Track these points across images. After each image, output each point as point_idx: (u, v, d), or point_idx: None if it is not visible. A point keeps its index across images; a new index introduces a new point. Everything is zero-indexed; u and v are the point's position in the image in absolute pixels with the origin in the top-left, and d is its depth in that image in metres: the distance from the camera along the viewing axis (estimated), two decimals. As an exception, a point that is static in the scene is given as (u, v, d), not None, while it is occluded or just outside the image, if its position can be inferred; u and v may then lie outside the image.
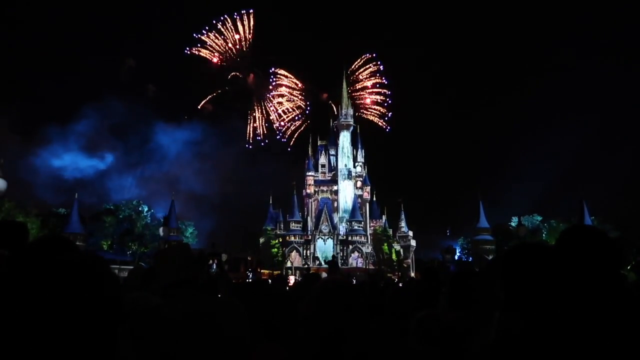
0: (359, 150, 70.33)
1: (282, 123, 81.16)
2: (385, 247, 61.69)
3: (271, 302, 4.43)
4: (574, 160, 74.36)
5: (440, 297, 2.92)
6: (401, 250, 63.60)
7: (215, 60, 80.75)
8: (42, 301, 0.93)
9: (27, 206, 49.26)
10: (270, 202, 66.23)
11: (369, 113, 78.08)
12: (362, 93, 78.64)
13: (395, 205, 67.85)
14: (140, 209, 61.95)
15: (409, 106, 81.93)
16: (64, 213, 54.78)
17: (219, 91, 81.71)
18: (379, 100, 78.52)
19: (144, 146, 74.41)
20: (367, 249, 62.37)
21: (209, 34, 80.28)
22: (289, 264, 59.45)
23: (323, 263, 52.92)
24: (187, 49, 78.80)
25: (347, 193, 66.43)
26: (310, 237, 62.95)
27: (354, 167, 68.27)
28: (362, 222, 63.94)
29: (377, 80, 78.78)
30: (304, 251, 62.18)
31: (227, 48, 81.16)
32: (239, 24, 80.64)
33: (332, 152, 70.63)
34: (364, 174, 68.98)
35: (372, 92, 78.76)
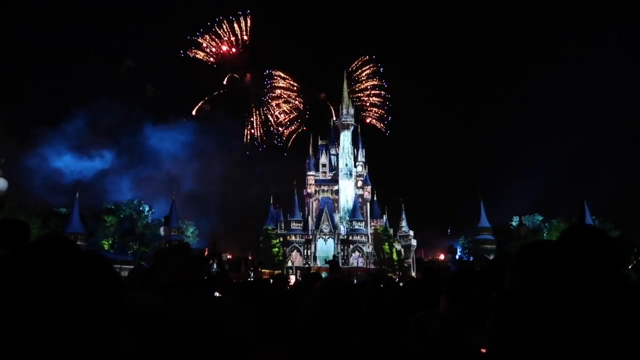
0: (360, 149, 70.34)
1: (281, 123, 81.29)
2: (386, 246, 61.69)
3: (272, 301, 4.44)
4: (575, 160, 74.29)
5: (440, 297, 2.91)
6: (402, 250, 63.60)
7: (212, 61, 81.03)
8: (44, 300, 0.92)
9: (28, 206, 49.32)
10: (271, 201, 66.25)
11: (367, 115, 78.30)
12: (360, 94, 78.83)
13: (396, 204, 67.90)
14: (141, 208, 61.99)
15: (409, 106, 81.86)
16: (65, 213, 54.81)
17: (217, 92, 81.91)
18: (377, 102, 78.74)
19: (144, 146, 74.43)
20: (368, 248, 62.38)
21: (206, 36, 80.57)
22: (289, 264, 59.45)
23: (324, 262, 52.92)
24: (185, 51, 79.13)
25: (347, 192, 66.43)
26: (311, 237, 62.97)
27: (355, 166, 68.27)
28: (363, 222, 63.95)
29: (375, 82, 79.03)
30: (305, 251, 62.20)
31: (223, 49, 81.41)
32: (235, 25, 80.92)
33: (333, 151, 70.64)
34: (365, 174, 68.98)
35: (371, 93, 78.98)
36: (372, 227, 64.95)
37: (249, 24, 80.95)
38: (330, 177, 68.89)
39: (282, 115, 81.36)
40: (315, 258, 60.23)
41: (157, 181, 71.34)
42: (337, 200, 66.81)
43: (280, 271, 45.84)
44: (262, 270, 48.61)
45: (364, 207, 66.67)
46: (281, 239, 62.40)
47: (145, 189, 68.96)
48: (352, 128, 69.56)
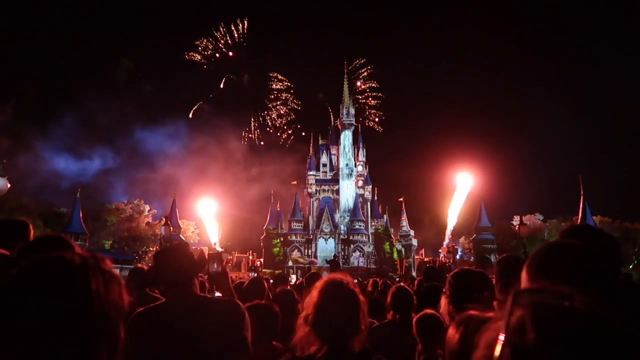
0: (360, 149, 70.33)
1: (280, 123, 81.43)
2: (387, 246, 61.67)
3: (273, 301, 4.43)
4: (576, 159, 74.18)
5: (441, 296, 2.90)
6: (402, 250, 63.57)
7: (210, 62, 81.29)
8: (43, 301, 0.91)
9: (29, 206, 49.32)
10: (272, 201, 66.25)
11: (367, 116, 78.53)
12: (359, 96, 79.04)
13: (396, 204, 67.89)
14: (141, 208, 62.00)
15: (409, 105, 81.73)
16: (66, 213, 54.81)
17: (214, 93, 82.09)
18: (376, 104, 79.00)
19: (144, 147, 74.44)
20: (369, 248, 62.37)
21: (203, 38, 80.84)
22: (290, 263, 59.44)
23: (324, 262, 52.88)
24: (183, 53, 79.36)
25: (348, 192, 66.41)
26: (311, 236, 62.98)
27: (356, 166, 68.24)
28: (364, 222, 63.91)
29: (373, 85, 79.29)
30: (306, 250, 62.19)
31: (221, 51, 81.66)
32: (233, 28, 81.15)
33: (334, 151, 70.65)
34: (366, 173, 68.97)
35: (368, 95, 79.27)
36: (373, 227, 64.94)
37: (246, 27, 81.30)
38: (330, 177, 68.87)
39: (281, 115, 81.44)
40: (316, 257, 60.20)
41: (157, 181, 71.35)
42: (337, 200, 66.79)
43: (280, 271, 45.86)
44: (263, 270, 48.62)
45: (365, 206, 66.65)
46: (282, 239, 62.41)
47: (145, 188, 68.98)
48: (352, 128, 69.54)
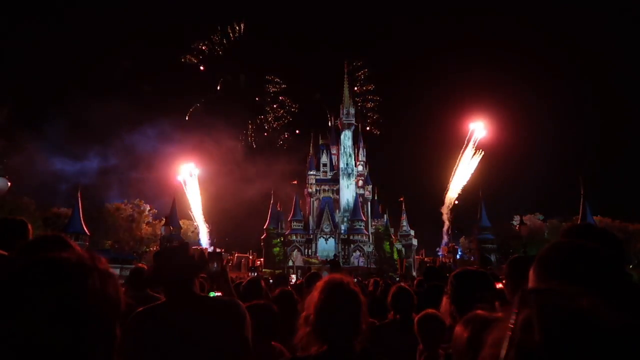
0: (361, 149, 70.36)
1: (277, 125, 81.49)
2: (387, 246, 61.68)
3: (272, 301, 4.42)
4: (576, 159, 74.19)
5: (443, 297, 2.89)
6: (403, 249, 63.58)
7: (206, 64, 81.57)
8: (38, 300, 0.91)
9: (29, 206, 49.35)
10: (272, 201, 66.23)
11: (364, 115, 78.74)
12: (358, 99, 79.17)
13: (396, 204, 67.90)
14: (141, 208, 62.03)
15: (409, 105, 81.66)
16: (66, 213, 54.85)
17: (210, 95, 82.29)
18: (372, 106, 79.20)
19: (143, 147, 74.40)
20: (369, 248, 62.38)
21: (201, 42, 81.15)
22: (290, 263, 59.46)
23: (325, 262, 52.89)
24: (180, 56, 79.58)
25: (348, 192, 66.43)
26: (311, 236, 62.99)
27: (356, 166, 68.26)
28: (364, 221, 63.92)
29: (369, 88, 79.51)
30: (306, 250, 62.20)
31: (218, 54, 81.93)
32: (230, 31, 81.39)
33: (334, 151, 70.68)
34: (366, 173, 69.01)
35: (367, 97, 79.47)
36: (373, 227, 64.97)
37: (242, 29, 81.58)
38: (330, 177, 68.91)
39: (278, 118, 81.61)
40: (316, 257, 60.22)
41: (157, 181, 71.33)
42: (337, 200, 66.82)
43: (281, 270, 45.86)
44: (264, 270, 48.63)
45: (365, 206, 66.67)
46: (282, 239, 62.43)
47: (145, 189, 68.99)
48: (352, 128, 69.57)
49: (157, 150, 75.29)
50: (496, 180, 72.16)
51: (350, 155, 67.78)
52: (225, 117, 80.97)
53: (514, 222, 62.59)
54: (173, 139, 75.42)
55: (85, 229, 51.30)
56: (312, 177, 68.07)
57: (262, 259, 60.33)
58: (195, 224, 61.84)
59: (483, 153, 61.21)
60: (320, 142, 71.83)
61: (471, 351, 1.67)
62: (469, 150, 60.92)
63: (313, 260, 57.59)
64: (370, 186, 68.38)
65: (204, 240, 59.52)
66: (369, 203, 67.56)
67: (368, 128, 78.48)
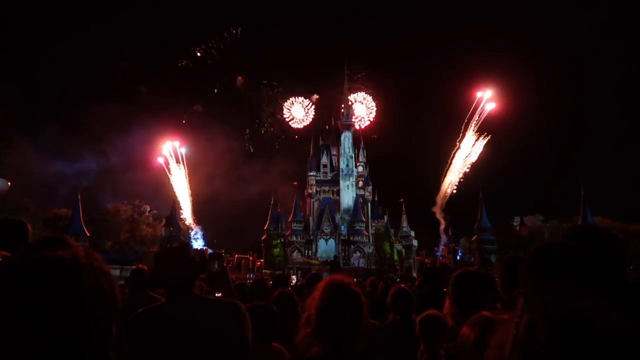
0: (361, 150, 70.39)
1: (274, 130, 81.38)
2: (387, 247, 61.65)
3: (273, 302, 4.42)
4: (576, 159, 74.19)
5: (444, 298, 2.89)
6: (403, 250, 63.55)
7: (205, 66, 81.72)
8: (33, 299, 0.91)
9: (29, 207, 49.35)
10: (272, 202, 66.20)
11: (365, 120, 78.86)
12: (360, 101, 79.26)
13: (396, 205, 67.88)
14: (142, 209, 62.03)
15: (409, 105, 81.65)
16: (66, 214, 54.85)
17: (208, 97, 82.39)
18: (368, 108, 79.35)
19: (142, 147, 74.33)
20: (369, 249, 62.34)
21: (197, 46, 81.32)
22: (290, 264, 59.43)
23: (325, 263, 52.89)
24: (179, 57, 79.73)
25: (348, 193, 66.42)
26: (312, 237, 62.95)
27: (356, 167, 68.26)
28: (364, 222, 63.89)
29: (367, 92, 79.64)
30: (306, 251, 62.16)
31: (215, 57, 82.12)
32: (226, 34, 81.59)
33: (334, 152, 70.68)
34: (366, 174, 69.00)
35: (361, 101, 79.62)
36: (373, 228, 64.93)
37: (239, 32, 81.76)
38: (331, 178, 68.89)
39: (275, 123, 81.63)
40: (316, 258, 60.20)
41: (157, 182, 71.33)
42: (338, 201, 66.77)
43: (281, 271, 45.84)
44: (264, 271, 48.61)
45: (365, 207, 66.63)
46: (282, 240, 62.39)
47: (145, 189, 68.95)
48: (352, 129, 69.60)
49: (157, 151, 75.21)
50: (496, 180, 72.04)
51: (350, 156, 67.78)
52: (223, 120, 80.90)
53: (515, 223, 62.63)
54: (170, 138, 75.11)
55: (85, 230, 51.30)
56: (312, 178, 68.04)
57: (262, 260, 60.31)
58: (187, 223, 62.05)
59: (488, 137, 61.80)
60: (321, 143, 71.87)
61: (478, 352, 1.67)
62: (470, 135, 61.63)
63: (313, 261, 57.58)
64: (371, 187, 68.34)
65: (199, 242, 59.59)
66: (369, 204, 67.52)
67: (367, 131, 78.47)
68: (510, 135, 72.81)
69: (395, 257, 60.93)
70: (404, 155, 77.68)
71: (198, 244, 57.78)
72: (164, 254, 2.82)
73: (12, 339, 0.88)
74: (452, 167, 65.95)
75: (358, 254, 62.05)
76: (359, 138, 71.02)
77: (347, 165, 67.53)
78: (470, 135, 64.05)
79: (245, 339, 2.53)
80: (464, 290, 2.63)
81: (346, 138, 68.60)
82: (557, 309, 0.70)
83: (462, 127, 63.88)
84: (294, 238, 62.37)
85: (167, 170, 63.22)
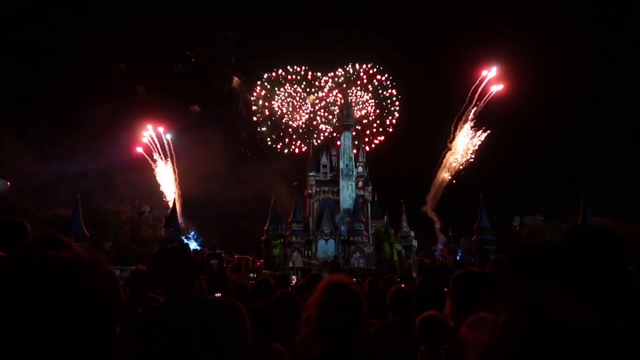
0: (361, 150, 70.42)
1: (271, 139, 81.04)
2: (387, 247, 61.66)
3: (274, 302, 4.41)
4: (576, 160, 74.20)
5: (445, 298, 2.88)
6: (403, 251, 63.57)
7: (201, 68, 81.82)
8: (38, 299, 0.91)
9: (29, 208, 49.35)
10: (272, 202, 66.22)
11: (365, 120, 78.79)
12: (363, 103, 79.19)
13: (396, 205, 67.90)
14: (142, 209, 62.04)
15: (408, 104, 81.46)
16: (66, 215, 54.85)
17: (206, 96, 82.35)
18: (374, 112, 79.30)
19: (143, 149, 74.29)
20: (369, 249, 62.33)
21: (195, 50, 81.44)
22: (290, 264, 59.43)
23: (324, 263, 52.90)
24: (175, 66, 79.91)
25: (348, 193, 66.42)
26: (312, 237, 62.94)
27: (356, 167, 68.28)
28: (364, 222, 63.90)
29: (367, 97, 79.62)
30: (306, 251, 62.16)
31: (212, 59, 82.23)
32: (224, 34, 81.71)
33: (334, 152, 70.71)
34: (366, 174, 68.99)
35: (367, 102, 79.50)
36: (373, 228, 64.92)
37: (233, 35, 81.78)
38: (330, 178, 68.88)
39: (272, 130, 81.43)
40: (316, 258, 60.21)
41: (156, 183, 71.34)
42: (337, 201, 66.76)
43: (281, 272, 45.82)
44: (264, 271, 48.60)
45: (365, 207, 66.60)
46: (282, 240, 62.39)
47: (145, 190, 68.95)
48: (352, 129, 69.63)
49: (156, 152, 75.14)
50: (495, 180, 72.01)
51: (350, 157, 67.80)
52: (220, 120, 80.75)
53: (515, 223, 62.62)
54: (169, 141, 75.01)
55: (85, 230, 51.30)
56: (312, 178, 68.00)
57: (262, 261, 60.30)
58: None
59: (487, 132, 62.09)
60: (320, 143, 72.06)
61: None
62: (466, 131, 62.05)
63: (313, 262, 57.57)
64: (370, 187, 68.32)
65: (191, 243, 59.70)
66: (369, 204, 67.47)
67: (371, 137, 78.29)
68: (510, 135, 72.78)
69: (395, 257, 60.95)
70: (403, 156, 77.56)
71: (191, 245, 57.79)
72: (163, 254, 2.82)
73: (16, 339, 0.88)
74: (443, 166, 66.48)
75: (358, 254, 62.02)
76: (358, 138, 71.10)
77: (347, 166, 67.54)
78: (465, 130, 64.51)
79: (245, 340, 2.52)
80: (464, 291, 2.62)
81: (346, 138, 68.63)
82: (533, 308, 0.70)
83: (455, 121, 64.34)
84: (294, 238, 62.35)
85: (150, 160, 63.84)
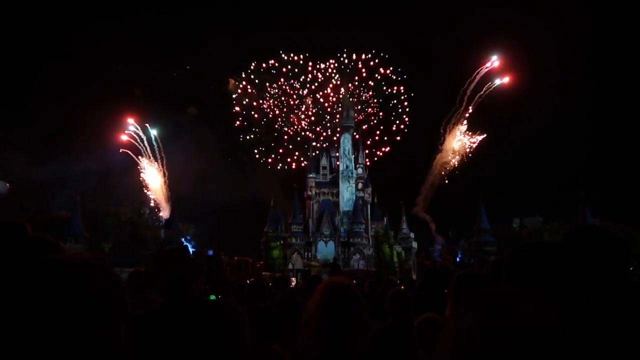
0: (360, 151, 70.43)
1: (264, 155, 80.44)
2: (387, 249, 61.64)
3: (274, 304, 4.41)
4: (576, 161, 74.23)
5: (445, 300, 2.88)
6: (402, 252, 63.56)
7: (198, 72, 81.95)
8: (45, 302, 0.91)
9: (29, 210, 49.39)
10: (272, 204, 66.23)
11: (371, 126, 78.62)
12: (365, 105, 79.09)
13: (396, 207, 67.93)
14: (141, 211, 62.06)
15: (408, 105, 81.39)
16: (66, 216, 54.85)
17: (202, 97, 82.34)
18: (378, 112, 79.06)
19: (142, 150, 74.27)
20: (369, 251, 62.33)
21: (191, 55, 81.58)
22: (290, 266, 59.42)
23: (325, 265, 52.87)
24: (172, 72, 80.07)
25: (348, 195, 66.44)
26: (311, 239, 62.94)
27: (355, 168, 68.30)
28: (364, 224, 63.90)
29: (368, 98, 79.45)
30: (306, 253, 62.15)
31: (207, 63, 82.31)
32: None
33: (333, 154, 70.74)
34: (365, 176, 69.01)
35: (371, 103, 79.34)
36: (373, 229, 64.91)
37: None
38: (330, 180, 68.89)
39: (278, 116, 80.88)
40: (316, 260, 60.21)
41: (156, 184, 71.29)
42: (337, 203, 66.77)
43: (280, 274, 45.77)
44: (263, 273, 48.59)
45: (365, 209, 66.61)
46: (282, 242, 62.39)
47: (145, 191, 68.94)
48: (352, 130, 69.66)
49: (156, 153, 75.09)
50: (495, 181, 72.08)
51: (349, 158, 67.82)
52: (218, 121, 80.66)
53: (514, 225, 62.64)
54: (170, 142, 74.98)
55: (84, 232, 51.32)
56: (312, 180, 68.02)
57: (262, 262, 60.29)
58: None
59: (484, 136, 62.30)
60: (320, 144, 72.10)
61: None
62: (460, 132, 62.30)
63: (313, 263, 57.58)
64: (370, 189, 68.34)
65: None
66: (369, 206, 67.49)
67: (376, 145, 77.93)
68: (510, 135, 72.83)
69: (395, 259, 60.93)
70: (404, 157, 77.54)
71: None
72: (162, 255, 2.81)
73: (22, 341, 0.88)
74: (434, 167, 66.88)
75: (358, 256, 62.01)
76: (358, 139, 71.09)
77: (347, 167, 67.56)
78: (458, 131, 64.82)
79: (244, 342, 2.52)
80: (465, 293, 2.62)
81: (346, 139, 68.65)
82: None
83: (444, 124, 64.59)
84: (294, 240, 62.35)
85: (147, 162, 64.04)
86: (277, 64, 78.54)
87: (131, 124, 67.29)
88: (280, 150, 78.35)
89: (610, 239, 1.95)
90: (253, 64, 77.70)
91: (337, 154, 69.59)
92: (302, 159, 76.19)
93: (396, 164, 75.46)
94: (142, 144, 67.87)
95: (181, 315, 2.49)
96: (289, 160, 78.18)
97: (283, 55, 77.77)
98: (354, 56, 77.09)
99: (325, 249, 61.82)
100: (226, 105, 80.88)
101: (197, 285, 2.86)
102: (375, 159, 75.98)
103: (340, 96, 73.40)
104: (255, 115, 79.04)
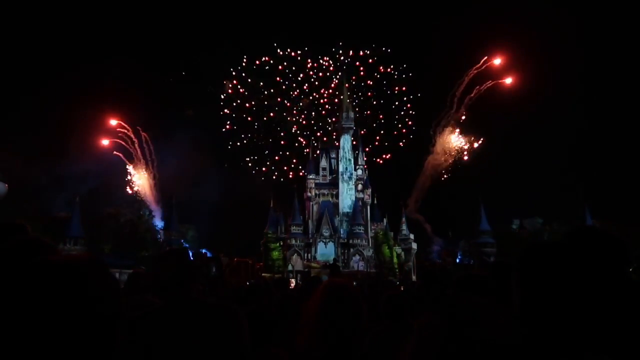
0: (360, 153, 70.46)
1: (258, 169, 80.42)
2: (386, 250, 61.64)
3: (274, 305, 4.41)
4: (576, 161, 74.23)
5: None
6: (402, 253, 63.56)
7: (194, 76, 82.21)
8: (40, 304, 0.91)
9: (29, 211, 49.35)
10: (271, 205, 66.23)
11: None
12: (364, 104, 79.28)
13: (396, 208, 67.96)
14: (141, 212, 62.02)
15: (408, 105, 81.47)
16: (65, 217, 54.83)
17: (199, 99, 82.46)
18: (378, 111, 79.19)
19: (141, 149, 74.23)
20: (368, 252, 62.32)
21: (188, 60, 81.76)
22: (290, 267, 59.42)
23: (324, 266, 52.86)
24: (168, 76, 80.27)
25: (347, 196, 66.46)
26: (311, 240, 62.93)
27: (355, 169, 68.32)
28: (363, 225, 63.91)
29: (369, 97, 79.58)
30: (305, 254, 62.14)
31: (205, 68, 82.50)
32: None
33: (333, 155, 70.75)
34: (365, 177, 69.03)
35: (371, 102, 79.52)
36: (373, 231, 64.92)
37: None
38: (330, 181, 68.90)
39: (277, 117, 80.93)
40: (316, 261, 60.20)
41: (156, 184, 71.30)
42: (337, 204, 66.79)
43: (280, 275, 45.78)
44: (263, 274, 48.59)
45: (364, 210, 66.62)
46: (281, 243, 62.39)
47: (145, 192, 68.92)
48: (351, 132, 69.69)
49: (155, 153, 75.12)
50: (494, 182, 72.05)
51: (349, 159, 67.84)
52: (216, 123, 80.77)
53: (514, 226, 62.68)
54: (168, 142, 75.02)
55: (84, 233, 51.31)
56: (312, 181, 68.04)
57: (261, 264, 60.27)
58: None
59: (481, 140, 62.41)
60: (320, 145, 72.02)
61: None
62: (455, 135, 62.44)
63: (313, 265, 57.56)
64: (370, 190, 68.36)
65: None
66: (369, 207, 67.50)
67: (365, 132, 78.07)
68: (509, 135, 72.85)
69: (395, 260, 60.93)
70: (404, 157, 77.57)
71: None
72: (162, 257, 2.81)
73: (18, 343, 0.88)
74: (425, 168, 67.15)
75: (357, 257, 62.00)
76: (358, 140, 71.16)
77: (347, 168, 67.59)
78: (449, 132, 65.03)
79: (243, 344, 2.51)
80: (464, 294, 2.62)
81: (345, 141, 68.68)
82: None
83: (434, 126, 64.77)
84: (293, 241, 62.35)
85: (144, 163, 64.20)
86: (272, 61, 78.48)
87: (120, 126, 67.33)
88: (276, 158, 78.06)
89: (610, 239, 1.95)
90: (244, 60, 77.46)
91: (337, 155, 69.59)
92: (300, 167, 75.97)
93: (396, 165, 75.48)
94: (132, 147, 68.01)
95: (181, 317, 2.49)
96: (285, 168, 77.87)
97: (279, 51, 77.68)
98: (351, 52, 77.18)
99: (325, 250, 61.81)
100: (218, 108, 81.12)
101: (197, 286, 2.86)
102: (375, 159, 75.98)
103: (341, 97, 73.38)
104: (249, 118, 78.80)
